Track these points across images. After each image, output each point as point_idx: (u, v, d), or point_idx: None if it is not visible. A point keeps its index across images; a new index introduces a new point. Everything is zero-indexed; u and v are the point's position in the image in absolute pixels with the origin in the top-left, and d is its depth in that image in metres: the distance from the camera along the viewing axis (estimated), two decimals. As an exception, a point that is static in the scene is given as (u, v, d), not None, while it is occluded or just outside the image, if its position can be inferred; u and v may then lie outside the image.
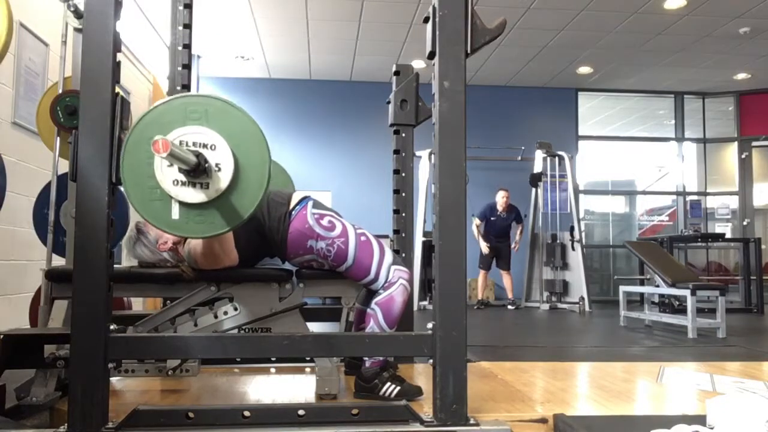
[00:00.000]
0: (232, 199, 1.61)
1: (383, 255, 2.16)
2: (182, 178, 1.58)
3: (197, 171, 1.56)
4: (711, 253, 9.70)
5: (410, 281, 2.21)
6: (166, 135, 1.56)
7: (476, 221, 7.63)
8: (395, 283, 2.14)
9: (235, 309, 2.14)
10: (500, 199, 7.66)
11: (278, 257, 2.24)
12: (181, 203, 1.60)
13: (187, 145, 1.58)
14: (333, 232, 2.14)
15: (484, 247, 7.64)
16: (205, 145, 1.59)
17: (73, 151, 1.66)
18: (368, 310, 2.16)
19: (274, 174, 2.81)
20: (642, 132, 10.18)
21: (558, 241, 7.94)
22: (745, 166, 9.50)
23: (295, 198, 2.20)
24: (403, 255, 2.97)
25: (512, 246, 7.85)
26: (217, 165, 1.59)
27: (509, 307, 7.67)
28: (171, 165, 1.57)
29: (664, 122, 10.01)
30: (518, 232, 7.84)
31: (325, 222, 2.15)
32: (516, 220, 7.79)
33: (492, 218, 7.70)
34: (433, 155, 1.88)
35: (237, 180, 1.61)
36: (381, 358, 2.16)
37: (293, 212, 2.15)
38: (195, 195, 1.59)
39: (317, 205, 2.21)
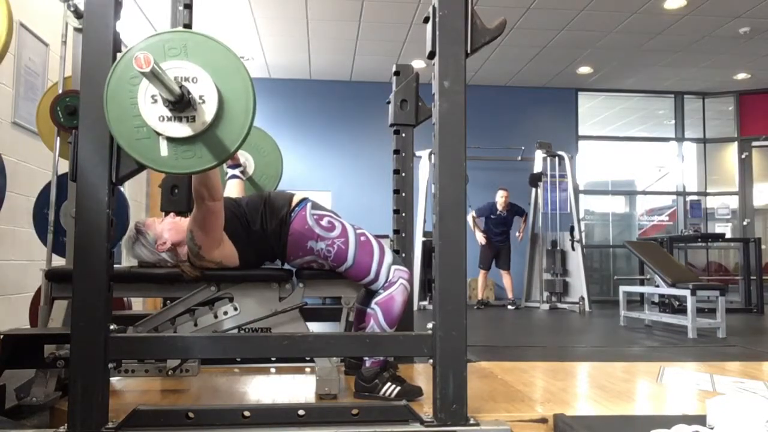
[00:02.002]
0: (219, 131, 1.60)
1: (383, 255, 2.17)
2: (167, 113, 1.56)
3: (182, 103, 1.54)
4: (711, 253, 9.70)
5: (410, 281, 2.21)
6: None
7: (473, 213, 7.65)
8: (395, 282, 2.14)
9: (235, 309, 2.14)
10: (500, 198, 7.68)
11: (279, 259, 2.24)
12: (169, 139, 1.58)
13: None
14: (332, 232, 2.14)
15: (481, 237, 7.67)
16: (186, 79, 1.57)
17: (73, 151, 1.65)
18: (368, 310, 2.16)
19: (265, 146, 2.81)
20: (642, 132, 10.18)
21: (558, 248, 7.91)
22: (745, 166, 9.50)
23: (295, 200, 2.20)
24: (403, 255, 2.97)
25: (518, 236, 7.94)
26: (200, 97, 1.57)
27: (509, 307, 7.67)
28: (155, 101, 1.56)
29: (664, 122, 10.01)
30: (522, 222, 7.95)
31: (324, 222, 2.15)
32: (518, 214, 7.88)
33: (492, 216, 7.72)
34: (433, 155, 1.88)
35: (222, 111, 1.59)
36: (381, 358, 2.16)
37: (293, 214, 2.15)
38: (182, 129, 1.57)
39: (316, 206, 2.22)
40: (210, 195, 1.92)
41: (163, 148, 1.59)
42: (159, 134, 1.58)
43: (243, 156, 2.71)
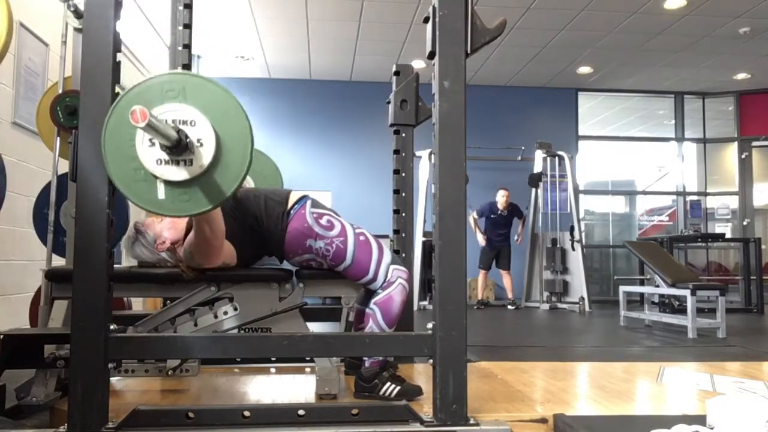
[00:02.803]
0: (216, 175, 1.59)
1: (382, 254, 2.16)
2: (165, 156, 1.56)
3: (179, 147, 1.54)
4: (711, 253, 9.70)
5: (409, 281, 2.21)
6: None
7: (473, 215, 7.66)
8: (394, 282, 2.14)
9: (235, 309, 2.14)
10: (500, 198, 7.69)
11: (276, 257, 2.24)
12: (166, 182, 1.58)
13: (166, 123, 1.56)
14: (332, 231, 2.14)
15: (481, 239, 7.68)
16: (184, 122, 1.57)
17: (73, 151, 1.66)
18: (367, 310, 2.16)
19: (266, 170, 2.82)
20: (642, 132, 10.18)
21: (558, 245, 7.93)
22: (745, 166, 9.50)
23: (293, 197, 2.19)
24: (403, 255, 2.97)
25: (516, 239, 7.93)
26: (198, 140, 1.57)
27: (509, 307, 7.67)
28: (153, 144, 1.55)
29: (664, 122, 10.01)
30: (520, 225, 7.94)
31: (323, 221, 2.15)
32: (517, 216, 7.86)
33: (492, 216, 7.72)
34: (433, 155, 1.87)
35: (220, 154, 1.59)
36: (381, 358, 2.16)
37: (291, 211, 2.15)
38: (179, 173, 1.57)
39: (316, 204, 2.21)
40: (212, 233, 1.92)
41: (161, 192, 1.59)
42: (156, 177, 1.58)
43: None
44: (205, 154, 1.58)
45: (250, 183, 2.76)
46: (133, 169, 1.58)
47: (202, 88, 1.61)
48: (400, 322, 2.22)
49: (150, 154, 1.56)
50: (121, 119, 1.57)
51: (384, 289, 2.14)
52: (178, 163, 1.57)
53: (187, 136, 1.56)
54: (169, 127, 1.53)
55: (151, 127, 1.43)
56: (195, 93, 1.60)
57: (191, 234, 1.99)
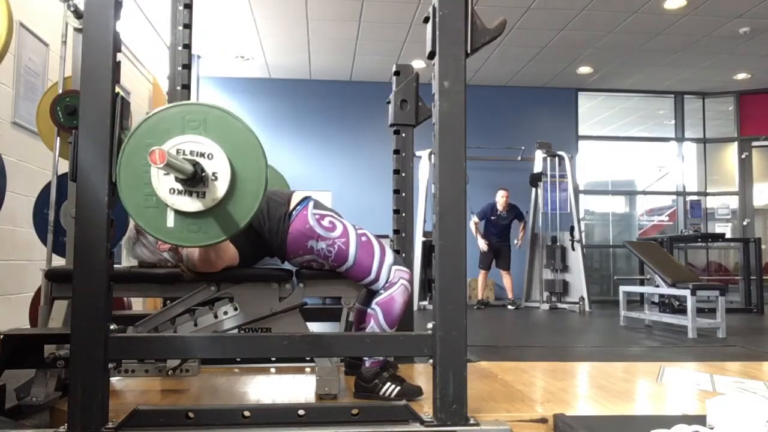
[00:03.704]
0: (227, 209, 1.61)
1: (384, 255, 2.16)
2: (179, 186, 1.58)
3: (194, 180, 1.56)
4: (711, 253, 9.70)
5: (411, 281, 2.21)
6: (163, 143, 1.56)
7: (474, 219, 7.65)
8: (396, 283, 2.14)
9: (235, 309, 2.14)
10: (500, 198, 7.69)
11: (278, 257, 2.24)
12: (177, 212, 1.60)
13: (184, 153, 1.58)
14: (334, 232, 2.14)
15: (483, 244, 7.67)
16: (202, 154, 1.59)
17: (73, 151, 1.66)
18: (369, 310, 2.16)
19: (270, 179, 2.83)
20: (642, 132, 10.18)
21: (558, 244, 7.93)
22: (745, 166, 9.50)
23: (296, 198, 2.20)
24: (403, 255, 2.97)
25: (516, 243, 7.90)
26: (214, 174, 1.59)
27: (509, 307, 7.67)
28: (167, 173, 1.57)
29: (664, 122, 10.01)
30: (521, 229, 7.90)
31: (325, 222, 2.15)
32: (518, 218, 7.83)
33: (492, 217, 7.72)
34: (433, 155, 1.87)
35: (233, 190, 1.61)
36: (381, 358, 2.16)
37: (294, 212, 2.15)
38: (191, 204, 1.59)
39: (318, 205, 2.21)
40: (217, 258, 2.01)
41: (170, 220, 1.60)
42: (168, 206, 1.59)
43: None
44: (220, 188, 1.59)
45: None
46: (145, 195, 1.59)
47: (223, 121, 1.62)
48: (401, 323, 2.22)
49: (164, 183, 1.58)
50: (139, 143, 1.59)
51: (386, 289, 2.14)
52: (191, 194, 1.58)
53: (203, 170, 1.57)
54: (186, 162, 1.54)
55: (169, 166, 1.45)
56: (216, 125, 1.62)
57: (199, 254, 2.03)
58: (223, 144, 1.60)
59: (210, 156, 1.59)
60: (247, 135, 1.63)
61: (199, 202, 1.59)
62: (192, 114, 1.62)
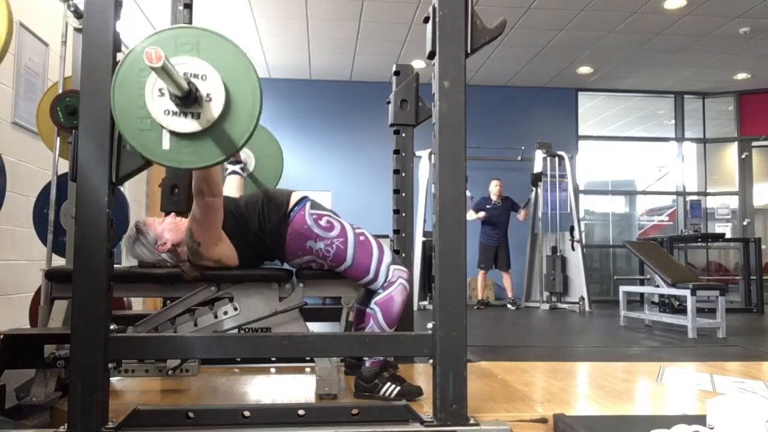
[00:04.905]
0: (222, 131, 1.60)
1: (382, 254, 2.16)
2: (173, 107, 1.56)
3: (188, 99, 1.54)
4: (711, 253, 9.69)
5: (409, 281, 2.21)
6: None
7: (470, 213, 7.57)
8: (394, 282, 2.14)
9: (235, 309, 2.14)
10: (493, 188, 7.66)
11: (278, 259, 2.24)
12: (172, 133, 1.59)
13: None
14: (332, 232, 2.14)
15: (472, 214, 7.46)
16: (195, 75, 1.58)
17: (73, 151, 1.66)
18: (368, 310, 2.16)
19: (264, 143, 2.82)
20: (642, 132, 10.18)
21: (558, 254, 7.85)
22: (745, 166, 9.50)
23: (294, 198, 2.20)
24: (403, 255, 2.97)
25: (519, 215, 7.79)
26: (208, 95, 1.58)
27: (509, 306, 7.67)
28: (162, 95, 1.56)
29: (664, 122, 10.00)
30: (523, 209, 7.82)
31: (323, 222, 2.15)
32: (513, 209, 7.78)
33: (488, 207, 7.67)
34: (433, 155, 1.88)
35: (228, 110, 1.59)
36: (381, 358, 2.16)
37: (291, 213, 2.15)
38: (186, 125, 1.57)
39: (315, 205, 2.21)
40: (210, 191, 1.92)
41: (165, 142, 1.59)
42: (163, 127, 1.58)
43: (244, 153, 2.71)
44: (214, 109, 1.58)
45: (251, 158, 2.76)
46: (140, 117, 1.58)
47: (216, 43, 1.62)
48: (401, 322, 2.23)
49: (159, 104, 1.57)
50: (133, 68, 1.58)
51: (385, 289, 2.14)
52: (186, 115, 1.57)
53: (197, 89, 1.56)
54: (181, 77, 1.53)
55: (164, 71, 1.43)
56: (209, 48, 1.61)
57: (192, 209, 1.99)
58: (216, 66, 1.59)
59: (204, 77, 1.58)
60: (240, 57, 1.62)
61: (195, 122, 1.58)
62: (184, 37, 1.61)
